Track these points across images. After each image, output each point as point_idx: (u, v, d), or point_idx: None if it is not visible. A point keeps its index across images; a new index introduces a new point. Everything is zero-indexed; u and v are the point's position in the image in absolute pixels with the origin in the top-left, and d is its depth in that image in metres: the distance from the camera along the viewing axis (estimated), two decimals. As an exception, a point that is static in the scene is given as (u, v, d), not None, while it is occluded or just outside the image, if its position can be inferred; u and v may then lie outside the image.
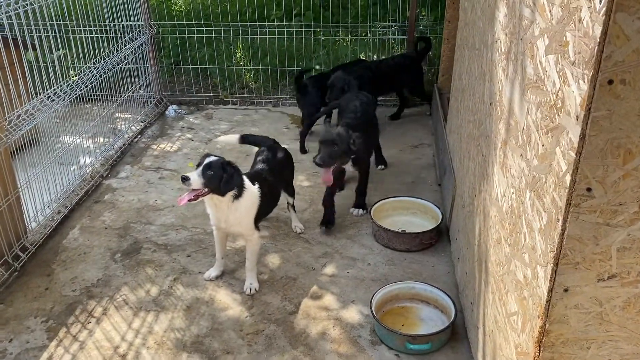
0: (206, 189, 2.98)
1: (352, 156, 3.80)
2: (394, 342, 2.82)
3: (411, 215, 3.94)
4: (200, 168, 2.97)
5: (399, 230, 3.65)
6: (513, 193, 2.09)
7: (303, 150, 5.15)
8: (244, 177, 3.19)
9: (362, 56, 7.01)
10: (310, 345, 2.88)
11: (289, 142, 5.37)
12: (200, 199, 3.01)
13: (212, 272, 3.41)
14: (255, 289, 3.28)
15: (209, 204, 3.16)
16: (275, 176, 3.54)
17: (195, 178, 2.94)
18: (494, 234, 2.36)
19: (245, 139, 3.83)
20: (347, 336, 2.94)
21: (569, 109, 1.54)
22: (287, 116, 6.11)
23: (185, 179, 2.93)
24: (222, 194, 3.03)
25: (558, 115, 1.63)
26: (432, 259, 3.58)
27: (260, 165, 3.54)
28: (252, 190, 3.22)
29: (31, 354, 2.83)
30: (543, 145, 1.76)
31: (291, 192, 3.83)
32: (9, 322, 3.05)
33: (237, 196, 3.10)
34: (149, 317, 3.08)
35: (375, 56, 6.73)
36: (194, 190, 2.97)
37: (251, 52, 6.76)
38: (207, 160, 3.02)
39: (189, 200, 2.97)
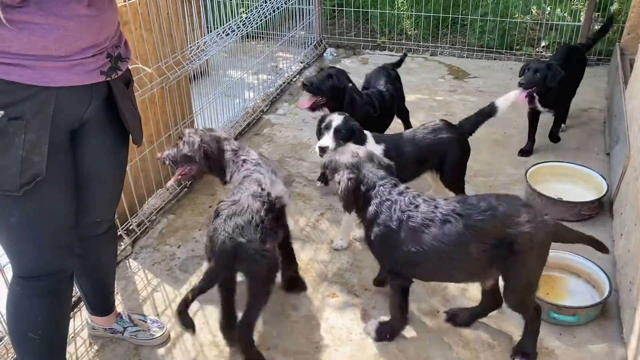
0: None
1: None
2: (537, 308, 2.72)
3: (571, 183, 3.67)
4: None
5: (556, 197, 3.44)
6: None
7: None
8: (368, 134, 3.04)
9: (534, 9, 6.51)
10: (447, 298, 2.89)
11: (443, 94, 5.24)
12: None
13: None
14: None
15: None
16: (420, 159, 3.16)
17: (330, 143, 2.95)
18: (674, 212, 2.13)
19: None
20: (487, 295, 2.89)
21: None
22: (444, 66, 5.93)
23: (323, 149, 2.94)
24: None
25: None
26: (589, 231, 3.27)
27: (407, 132, 3.25)
28: (375, 149, 2.94)
29: (195, 261, 3.19)
30: None
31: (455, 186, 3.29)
32: (178, 230, 3.45)
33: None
34: (295, 245, 3.26)
35: (549, 9, 6.18)
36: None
37: (414, -3, 6.59)
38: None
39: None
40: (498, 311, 2.78)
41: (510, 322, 2.72)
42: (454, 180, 3.30)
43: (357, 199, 2.41)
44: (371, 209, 2.35)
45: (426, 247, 2.24)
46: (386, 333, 2.62)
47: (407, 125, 4.25)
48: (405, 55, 4.42)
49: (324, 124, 3.06)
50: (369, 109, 3.57)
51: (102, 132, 2.07)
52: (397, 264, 2.39)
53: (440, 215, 2.23)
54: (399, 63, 4.30)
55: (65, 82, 1.78)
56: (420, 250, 2.25)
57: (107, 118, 2.05)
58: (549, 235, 2.27)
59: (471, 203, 2.26)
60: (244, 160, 2.67)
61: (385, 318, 2.66)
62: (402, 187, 2.40)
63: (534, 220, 2.20)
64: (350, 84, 3.52)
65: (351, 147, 2.64)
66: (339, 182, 2.40)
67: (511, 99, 3.26)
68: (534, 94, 3.88)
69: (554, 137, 4.29)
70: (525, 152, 4.16)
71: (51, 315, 2.10)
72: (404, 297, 2.52)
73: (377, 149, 3.00)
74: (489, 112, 3.27)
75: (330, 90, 3.46)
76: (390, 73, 3.98)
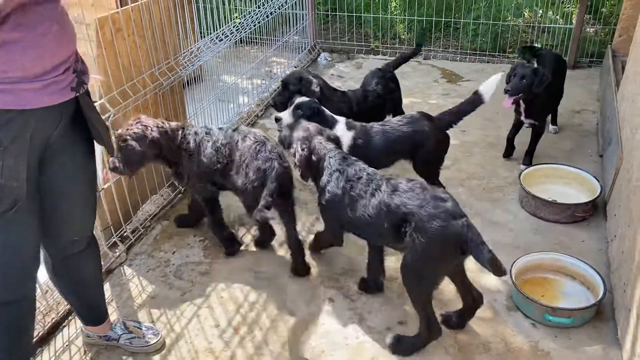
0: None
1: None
2: (532, 311, 2.73)
3: (565, 185, 3.69)
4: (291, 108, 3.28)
5: (550, 199, 3.45)
6: (699, 170, 1.87)
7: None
8: (338, 119, 3.27)
9: (526, 12, 6.55)
10: (444, 301, 2.88)
11: (437, 97, 5.26)
12: None
13: None
14: None
15: None
16: (397, 143, 3.25)
17: (287, 117, 3.27)
18: (667, 213, 2.14)
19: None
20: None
21: None
22: (438, 69, 5.95)
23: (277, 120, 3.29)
24: None
25: None
26: (582, 233, 3.35)
27: (380, 124, 3.31)
28: (345, 135, 3.18)
29: (190, 267, 3.18)
30: None
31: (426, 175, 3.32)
32: (172, 237, 3.44)
33: None
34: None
35: (541, 11, 6.21)
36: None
37: (407, 1, 6.61)
38: (298, 101, 3.31)
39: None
40: (494, 314, 2.79)
41: (505, 325, 2.73)
42: (428, 170, 3.35)
43: (311, 168, 2.75)
44: (324, 178, 2.69)
45: (359, 213, 2.55)
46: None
47: None
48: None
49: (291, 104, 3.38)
50: (342, 106, 3.66)
51: (70, 149, 2.04)
52: (340, 227, 2.74)
53: (371, 189, 2.53)
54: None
55: (41, 103, 1.77)
56: (356, 215, 2.56)
57: (73, 135, 2.03)
58: (446, 234, 2.32)
59: (392, 183, 2.52)
60: (208, 130, 3.07)
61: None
62: (351, 159, 2.71)
63: (431, 212, 2.34)
64: (309, 83, 3.61)
65: (304, 123, 2.94)
66: (294, 154, 2.77)
67: (493, 83, 3.26)
68: (520, 101, 3.79)
69: (530, 155, 4.02)
70: (507, 155, 4.18)
71: (10, 342, 2.10)
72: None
73: (347, 135, 3.20)
74: (474, 100, 3.31)
75: (290, 99, 3.58)
76: (385, 74, 4.01)
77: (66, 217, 2.16)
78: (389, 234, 2.48)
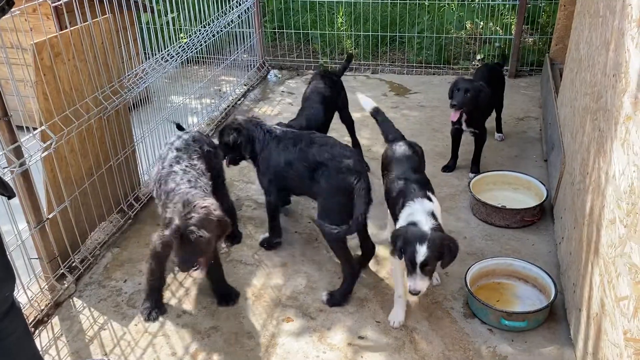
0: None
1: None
2: (488, 316, 2.77)
3: (513, 191, 3.80)
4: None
5: (499, 205, 3.53)
6: (634, 171, 1.95)
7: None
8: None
9: (468, 24, 6.75)
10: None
11: (386, 110, 5.31)
12: None
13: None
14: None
15: None
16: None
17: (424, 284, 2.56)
18: (608, 214, 2.22)
19: (376, 115, 3.59)
20: (439, 307, 2.93)
21: None
22: (386, 83, 6.05)
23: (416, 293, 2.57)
24: None
25: (699, 87, 1.48)
26: (532, 237, 3.44)
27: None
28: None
29: (143, 295, 3.06)
30: (677, 121, 1.61)
31: None
32: (123, 264, 3.33)
33: None
34: (246, 270, 3.24)
35: (482, 23, 6.42)
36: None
37: (353, 17, 6.71)
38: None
39: None
40: (452, 322, 2.81)
41: (463, 332, 2.76)
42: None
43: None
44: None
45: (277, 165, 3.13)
46: (267, 244, 3.40)
47: (353, 136, 4.42)
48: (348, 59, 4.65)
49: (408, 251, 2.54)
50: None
51: None
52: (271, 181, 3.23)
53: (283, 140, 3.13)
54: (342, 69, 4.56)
55: None
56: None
57: None
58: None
59: (301, 136, 3.10)
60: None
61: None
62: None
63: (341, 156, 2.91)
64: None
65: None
66: None
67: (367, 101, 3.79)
68: (464, 113, 3.93)
69: (477, 163, 4.13)
70: (448, 168, 4.26)
71: None
72: (274, 215, 3.34)
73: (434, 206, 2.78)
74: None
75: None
76: (322, 74, 4.26)
77: None
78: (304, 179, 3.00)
